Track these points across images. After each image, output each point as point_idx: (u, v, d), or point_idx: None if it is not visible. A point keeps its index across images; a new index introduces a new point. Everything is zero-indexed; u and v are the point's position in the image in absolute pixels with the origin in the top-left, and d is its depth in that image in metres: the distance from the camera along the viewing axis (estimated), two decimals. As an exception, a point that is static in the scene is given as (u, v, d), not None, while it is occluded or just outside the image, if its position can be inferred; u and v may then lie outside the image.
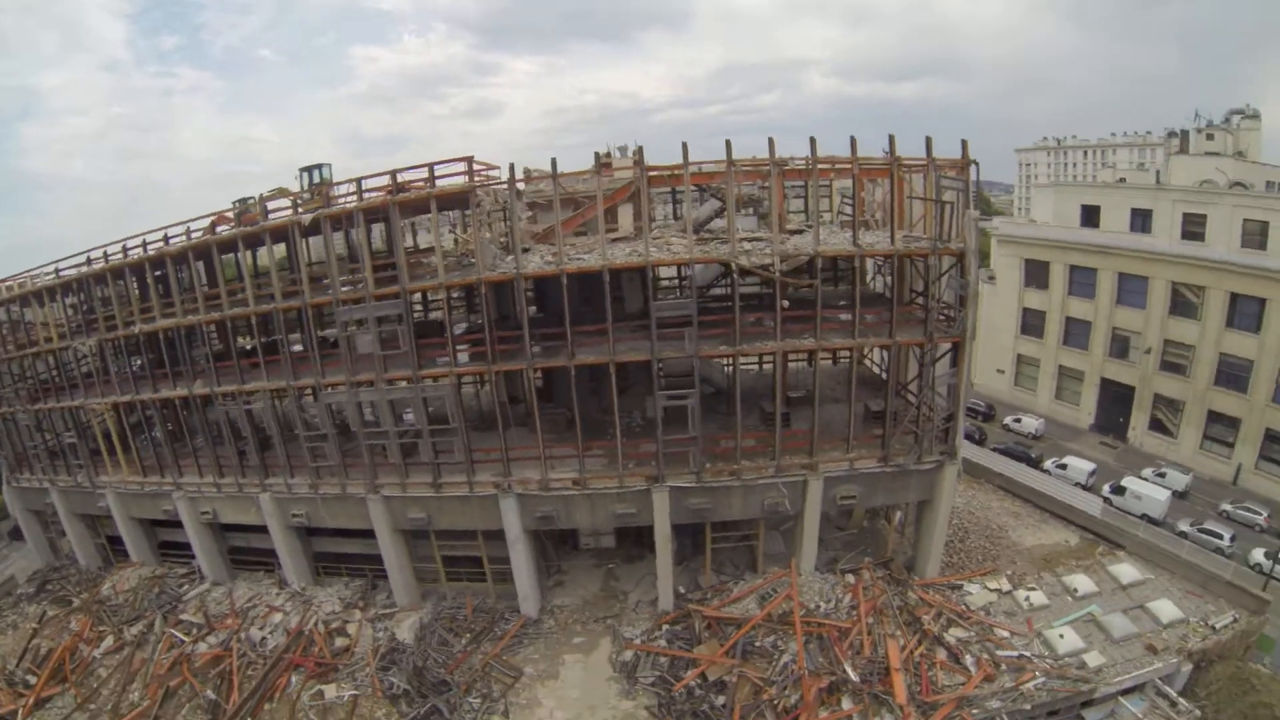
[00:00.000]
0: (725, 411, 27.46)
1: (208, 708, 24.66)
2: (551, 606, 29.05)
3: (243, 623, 28.29)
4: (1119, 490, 39.36)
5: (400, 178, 24.73)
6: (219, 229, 27.63)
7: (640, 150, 23.92)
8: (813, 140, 23.50)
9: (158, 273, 30.62)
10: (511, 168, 23.58)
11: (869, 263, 32.78)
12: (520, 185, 26.40)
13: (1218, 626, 25.97)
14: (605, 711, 23.83)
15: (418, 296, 33.57)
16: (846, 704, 22.73)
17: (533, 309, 29.68)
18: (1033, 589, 28.05)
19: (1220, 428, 43.05)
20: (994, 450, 44.20)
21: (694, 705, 23.09)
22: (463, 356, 26.55)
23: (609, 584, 30.21)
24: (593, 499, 26.38)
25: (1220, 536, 35.46)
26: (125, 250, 28.45)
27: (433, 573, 29.89)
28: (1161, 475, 41.80)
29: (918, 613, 26.08)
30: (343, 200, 26.26)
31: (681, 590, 27.93)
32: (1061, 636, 25.26)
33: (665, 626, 26.57)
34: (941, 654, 24.42)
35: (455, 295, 35.11)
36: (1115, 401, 48.38)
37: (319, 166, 28.92)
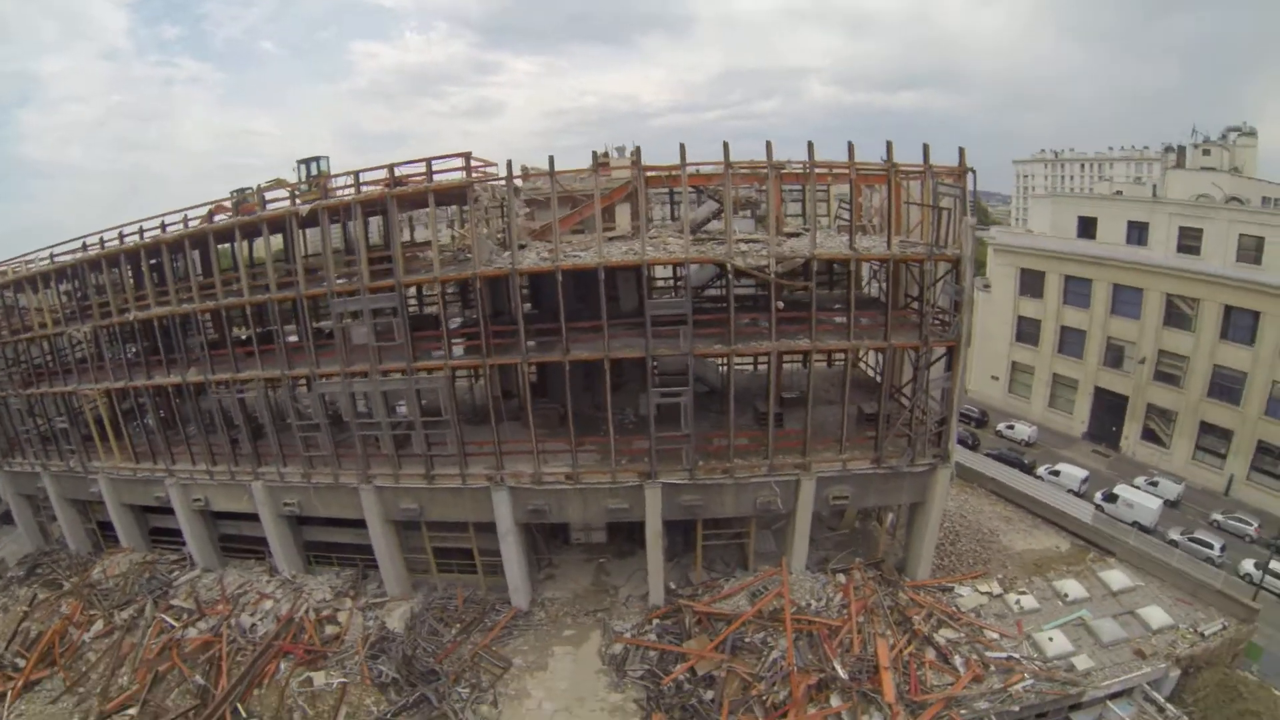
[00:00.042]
0: (719, 410, 27.52)
1: (196, 693, 24.60)
2: (542, 599, 29.07)
3: (233, 609, 28.25)
4: (1111, 498, 39.60)
5: (398, 172, 24.83)
6: (216, 218, 27.71)
7: (638, 150, 24.04)
8: (810, 145, 23.59)
9: (154, 261, 30.72)
10: (509, 164, 23.64)
11: (865, 268, 33.10)
12: (518, 182, 26.53)
13: (1207, 633, 26.07)
14: (594, 703, 23.84)
15: (413, 291, 33.73)
16: (835, 701, 22.76)
17: (528, 306, 29.75)
18: (1023, 593, 28.10)
19: (1213, 439, 43.32)
20: (987, 455, 44.36)
21: (683, 699, 23.13)
22: (457, 350, 26.65)
23: (600, 578, 30.22)
24: (585, 494, 26.42)
25: (1211, 546, 35.66)
26: (122, 237, 28.44)
27: (424, 563, 29.87)
28: (1154, 484, 42.04)
29: (908, 613, 26.13)
30: (340, 193, 26.35)
31: (672, 586, 27.96)
32: (1051, 639, 25.32)
33: (655, 621, 26.60)
34: (931, 654, 24.45)
35: (451, 290, 35.31)
36: (1108, 410, 48.63)
37: (317, 159, 28.91)
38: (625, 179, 27.15)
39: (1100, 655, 24.99)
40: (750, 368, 35.45)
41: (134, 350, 31.21)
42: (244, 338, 29.78)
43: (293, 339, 28.55)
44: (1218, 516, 39.45)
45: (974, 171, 24.16)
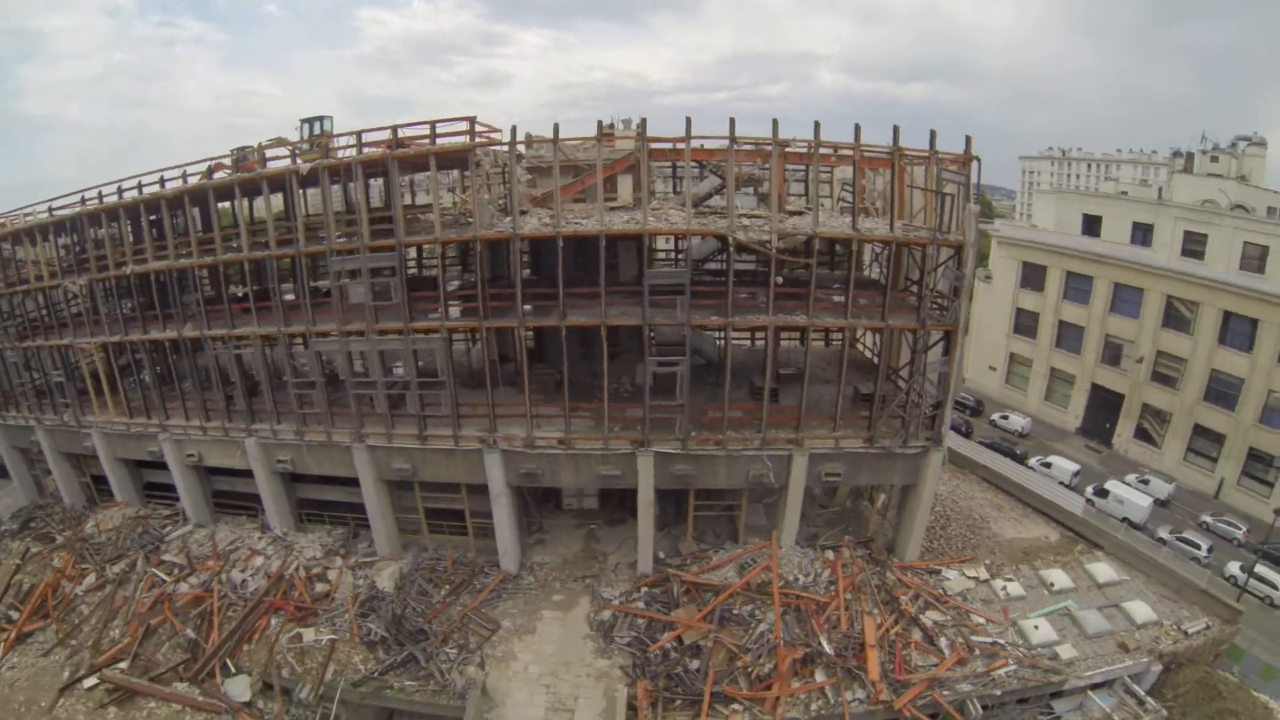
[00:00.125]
0: (714, 383, 27.53)
1: (187, 646, 24.66)
2: (532, 563, 29.14)
3: (224, 565, 28.32)
4: (1102, 493, 39.75)
5: (401, 134, 24.64)
6: (215, 175, 27.52)
7: (644, 121, 23.86)
8: (816, 124, 23.44)
9: (153, 217, 30.54)
10: (513, 130, 23.52)
11: (867, 252, 33.02)
12: (521, 149, 26.37)
13: (1190, 631, 26.25)
14: (580, 668, 23.91)
15: (413, 254, 33.62)
16: (820, 676, 22.93)
17: (527, 272, 29.67)
18: (1010, 580, 28.27)
19: (1205, 442, 43.47)
20: (980, 444, 44.48)
21: (668, 667, 23.22)
22: (455, 312, 26.58)
23: (590, 545, 30.28)
24: (577, 459, 26.45)
25: (1198, 546, 35.85)
26: (121, 192, 28.15)
27: (415, 524, 29.94)
28: (1145, 482, 42.23)
29: (895, 593, 26.28)
30: (342, 153, 26.17)
31: (662, 555, 28.05)
32: (1036, 627, 25.48)
33: (644, 589, 26.68)
34: (917, 635, 24.62)
35: (450, 254, 35.17)
36: (1103, 407, 48.74)
37: (320, 118, 28.70)
38: (629, 150, 26.98)
39: (1084, 645, 25.18)
40: (748, 343, 35.44)
41: (130, 305, 31.06)
42: (240, 295, 29.70)
43: (290, 297, 28.45)
44: (1207, 518, 39.61)
45: (979, 159, 24.04)
